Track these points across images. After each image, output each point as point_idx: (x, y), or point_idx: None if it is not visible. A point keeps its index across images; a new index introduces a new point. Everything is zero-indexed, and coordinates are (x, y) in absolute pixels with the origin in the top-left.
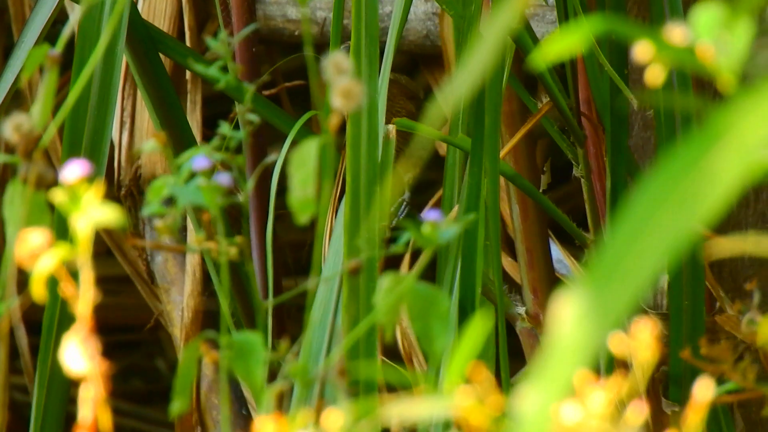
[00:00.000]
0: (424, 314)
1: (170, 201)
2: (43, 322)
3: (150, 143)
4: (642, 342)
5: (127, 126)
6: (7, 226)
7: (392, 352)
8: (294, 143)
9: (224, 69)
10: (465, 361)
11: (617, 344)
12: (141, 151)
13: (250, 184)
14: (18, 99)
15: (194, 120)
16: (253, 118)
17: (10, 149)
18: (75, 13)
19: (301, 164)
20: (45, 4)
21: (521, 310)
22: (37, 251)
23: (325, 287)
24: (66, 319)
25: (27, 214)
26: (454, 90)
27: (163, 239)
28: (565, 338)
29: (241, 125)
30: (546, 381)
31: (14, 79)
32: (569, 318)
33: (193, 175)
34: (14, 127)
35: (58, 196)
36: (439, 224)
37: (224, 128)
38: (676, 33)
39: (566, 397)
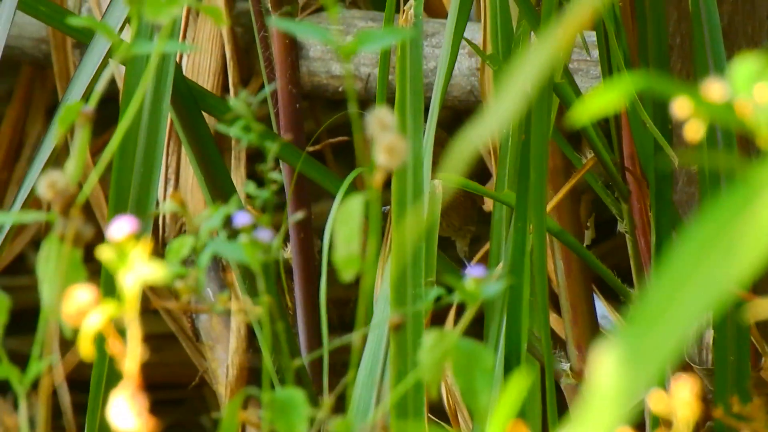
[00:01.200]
0: (468, 370)
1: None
2: (92, 379)
3: (168, 204)
4: (683, 399)
5: (171, 182)
6: (42, 284)
7: (437, 409)
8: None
9: (267, 127)
10: (506, 418)
11: (658, 402)
12: (161, 212)
13: (291, 239)
14: (62, 156)
15: (238, 176)
16: (278, 177)
17: (50, 206)
18: (108, 69)
19: (346, 221)
20: (89, 63)
21: (566, 366)
22: (84, 308)
23: (372, 343)
24: (113, 377)
25: (63, 271)
26: (479, 133)
27: (193, 299)
28: (604, 388)
29: (267, 183)
30: (585, 430)
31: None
32: (608, 368)
33: (215, 232)
34: (49, 184)
35: (105, 252)
36: (483, 280)
37: (249, 187)
38: (714, 89)
39: None
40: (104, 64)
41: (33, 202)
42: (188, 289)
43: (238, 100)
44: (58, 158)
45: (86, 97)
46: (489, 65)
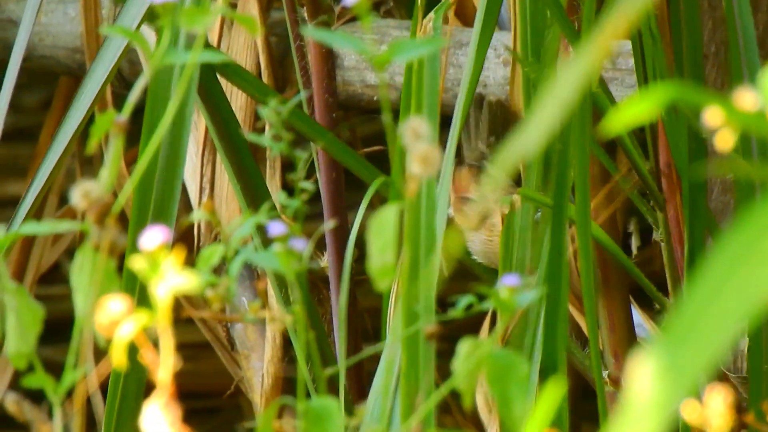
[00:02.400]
0: (502, 379)
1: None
2: (109, 388)
3: (199, 213)
4: (717, 409)
5: (206, 191)
6: (76, 294)
7: (473, 418)
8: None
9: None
10: (540, 427)
11: (691, 412)
12: (195, 221)
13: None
14: (91, 164)
15: (273, 185)
16: (308, 186)
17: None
18: (141, 79)
19: (380, 231)
20: (104, 59)
21: (603, 373)
22: (117, 318)
23: (388, 354)
24: (132, 385)
25: (97, 281)
26: (521, 144)
27: (229, 308)
28: (641, 397)
29: (297, 192)
30: None
31: (71, 135)
32: (645, 377)
33: (249, 240)
34: (83, 193)
35: (136, 262)
36: (517, 289)
37: (281, 196)
38: (746, 98)
39: None
40: (116, 67)
41: (68, 211)
42: (218, 297)
43: (273, 110)
44: (93, 168)
45: (96, 101)
46: (527, 72)
